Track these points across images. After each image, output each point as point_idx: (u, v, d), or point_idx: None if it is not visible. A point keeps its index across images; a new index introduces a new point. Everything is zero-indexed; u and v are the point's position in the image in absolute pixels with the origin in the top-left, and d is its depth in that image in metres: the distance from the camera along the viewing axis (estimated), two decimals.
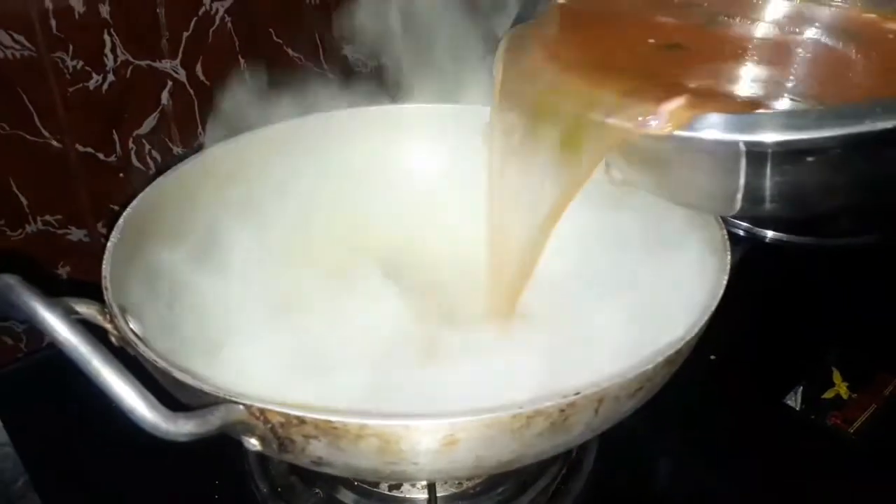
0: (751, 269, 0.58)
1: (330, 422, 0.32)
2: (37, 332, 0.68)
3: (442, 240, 0.61)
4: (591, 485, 0.51)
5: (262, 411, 0.32)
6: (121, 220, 0.47)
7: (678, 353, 0.36)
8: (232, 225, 0.56)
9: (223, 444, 0.53)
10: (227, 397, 0.32)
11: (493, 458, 0.34)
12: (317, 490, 0.50)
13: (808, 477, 0.53)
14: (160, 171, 0.71)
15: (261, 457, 0.52)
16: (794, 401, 0.58)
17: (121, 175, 0.69)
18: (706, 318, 0.38)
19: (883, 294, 0.70)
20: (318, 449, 0.33)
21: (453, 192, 0.61)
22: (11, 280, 0.30)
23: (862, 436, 0.55)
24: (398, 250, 0.60)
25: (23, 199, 0.64)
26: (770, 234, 0.76)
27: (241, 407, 0.32)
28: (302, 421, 0.32)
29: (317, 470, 0.36)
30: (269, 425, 0.32)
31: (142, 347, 0.35)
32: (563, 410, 0.33)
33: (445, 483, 0.48)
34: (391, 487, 0.49)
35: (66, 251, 0.68)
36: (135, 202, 0.49)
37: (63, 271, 0.69)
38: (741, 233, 0.75)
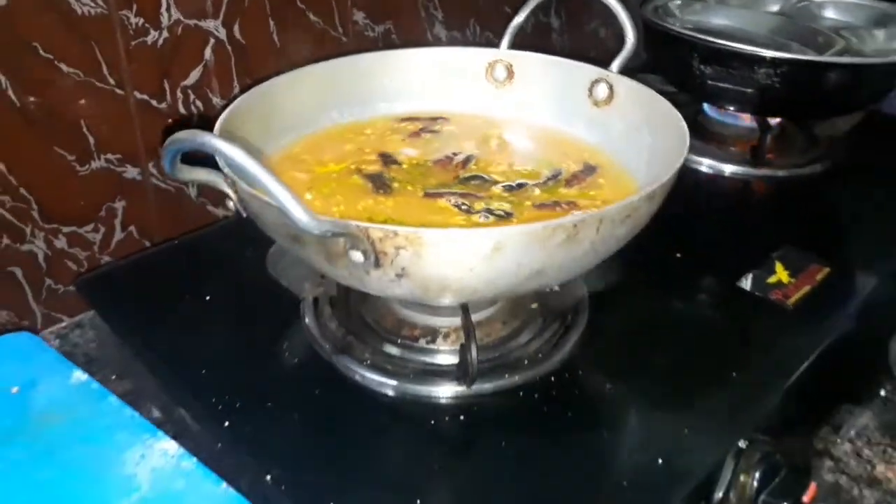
0: (713, 192, 0.81)
1: (417, 233, 0.44)
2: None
3: None
4: (585, 338, 0.65)
5: (366, 229, 0.44)
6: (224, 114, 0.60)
7: (654, 192, 0.50)
8: None
9: (287, 318, 0.64)
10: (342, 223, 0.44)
11: (527, 265, 0.47)
12: (369, 345, 0.62)
13: (755, 337, 0.68)
14: (202, 119, 0.82)
15: (320, 324, 0.64)
16: (746, 284, 0.73)
17: (169, 121, 0.80)
18: (678, 165, 0.52)
19: (819, 211, 0.91)
20: (404, 259, 0.45)
21: None
22: (192, 133, 0.42)
23: (797, 308, 0.70)
24: None
25: (90, 139, 0.75)
26: (730, 168, 0.93)
27: (353, 225, 0.44)
28: (395, 234, 0.44)
29: (395, 289, 0.48)
30: (370, 240, 0.45)
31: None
32: (575, 226, 0.46)
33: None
34: (428, 342, 0.62)
35: (122, 187, 0.79)
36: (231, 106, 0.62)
37: (119, 205, 0.79)
38: (705, 169, 0.92)
